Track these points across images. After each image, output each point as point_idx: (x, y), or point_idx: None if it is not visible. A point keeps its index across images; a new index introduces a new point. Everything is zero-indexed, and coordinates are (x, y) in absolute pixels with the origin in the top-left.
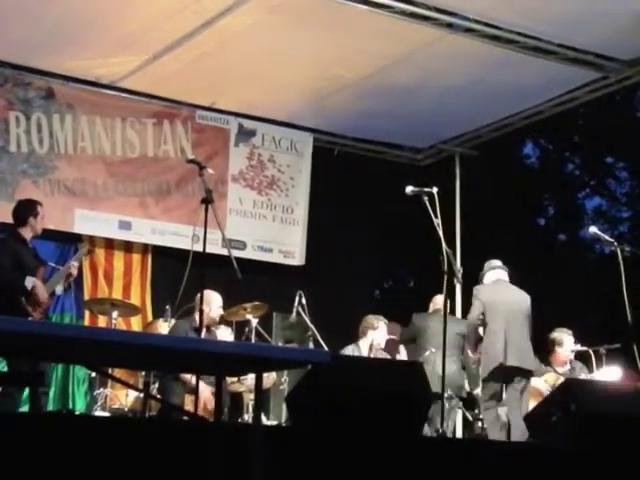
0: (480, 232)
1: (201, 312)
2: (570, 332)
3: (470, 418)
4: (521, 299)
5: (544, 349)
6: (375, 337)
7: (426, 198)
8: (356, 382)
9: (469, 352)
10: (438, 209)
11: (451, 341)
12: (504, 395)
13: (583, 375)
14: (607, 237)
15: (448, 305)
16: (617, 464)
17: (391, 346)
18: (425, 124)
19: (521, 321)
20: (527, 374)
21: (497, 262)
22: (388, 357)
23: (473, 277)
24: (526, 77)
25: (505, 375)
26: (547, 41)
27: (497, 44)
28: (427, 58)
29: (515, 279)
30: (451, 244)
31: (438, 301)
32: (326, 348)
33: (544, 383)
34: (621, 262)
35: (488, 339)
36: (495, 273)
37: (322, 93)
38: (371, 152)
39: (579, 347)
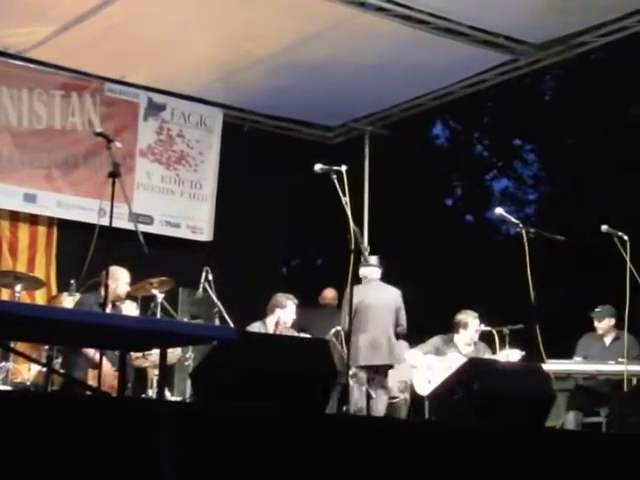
0: (389, 211)
1: (106, 287)
2: (476, 314)
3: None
4: (388, 297)
5: (450, 330)
6: (282, 315)
7: (335, 176)
8: (261, 359)
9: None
10: (347, 188)
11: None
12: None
13: (487, 355)
14: (512, 218)
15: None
16: (517, 441)
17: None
18: (336, 102)
19: (386, 319)
20: (385, 369)
21: (372, 259)
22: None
23: (380, 256)
24: (437, 58)
25: (368, 370)
26: (459, 23)
27: (409, 24)
28: (339, 36)
29: (421, 259)
30: (359, 223)
31: (327, 295)
32: (232, 325)
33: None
34: (526, 244)
35: (354, 337)
36: (366, 271)
37: (232, 68)
38: (281, 129)
39: (483, 327)
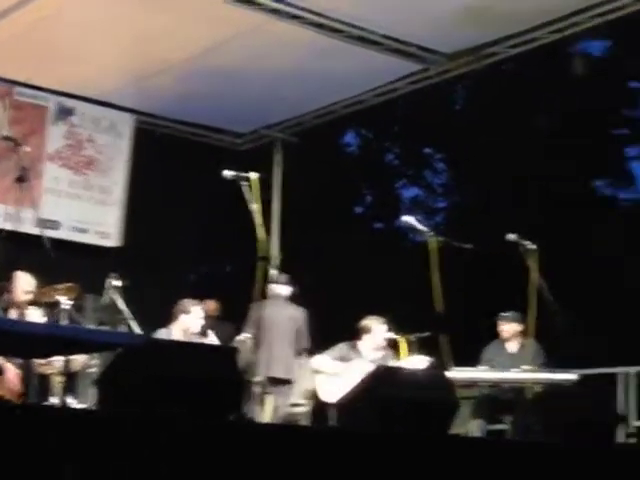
0: (299, 219)
1: (10, 293)
2: (382, 320)
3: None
4: (291, 315)
5: (355, 337)
6: (187, 321)
7: (244, 183)
8: (167, 365)
9: None
10: (257, 195)
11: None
12: None
13: (391, 362)
14: (420, 226)
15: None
16: (420, 447)
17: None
18: (247, 109)
19: (287, 336)
20: (287, 382)
21: (281, 277)
22: (202, 341)
23: (290, 263)
24: (350, 66)
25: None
26: (371, 31)
27: (322, 32)
28: (252, 42)
29: (331, 266)
30: (269, 231)
31: (209, 307)
32: (139, 331)
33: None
34: (433, 251)
35: (258, 351)
36: (274, 288)
37: (144, 73)
38: (192, 135)
39: (390, 335)
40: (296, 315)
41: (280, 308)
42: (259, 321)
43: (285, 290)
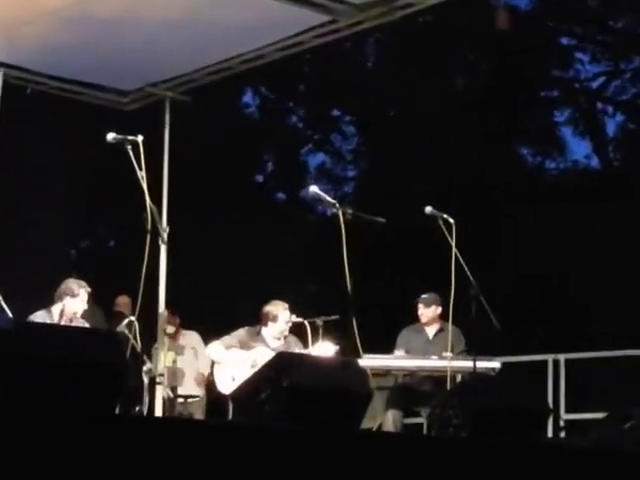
0: (191, 188)
1: None
2: (286, 305)
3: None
4: None
5: (257, 322)
6: (71, 304)
7: (129, 147)
8: (42, 351)
9: None
10: (143, 160)
11: None
12: None
13: (298, 349)
14: (328, 198)
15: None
16: (330, 444)
17: None
18: (132, 64)
19: None
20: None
21: None
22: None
23: (180, 237)
24: (248, 16)
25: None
26: None
27: None
28: None
29: (228, 242)
30: (158, 200)
31: (120, 302)
32: (11, 314)
33: None
34: (342, 226)
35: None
36: None
37: (14, 22)
38: (70, 92)
39: (294, 318)
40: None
41: None
42: None
43: None
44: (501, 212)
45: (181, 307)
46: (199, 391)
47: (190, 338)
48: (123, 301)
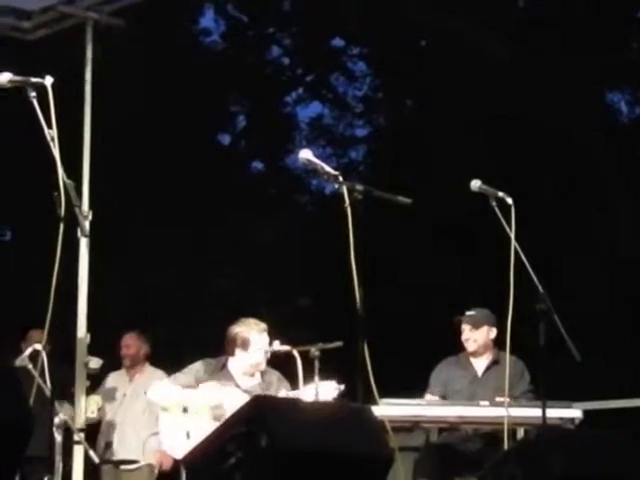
0: (125, 155)
1: None
2: (263, 326)
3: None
4: None
5: (222, 350)
6: None
7: (33, 94)
8: None
9: None
10: (54, 113)
11: None
12: None
13: (283, 392)
14: (328, 168)
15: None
16: None
17: None
18: None
19: None
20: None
21: None
22: None
23: (109, 227)
24: None
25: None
26: None
27: None
28: None
29: (174, 228)
30: (76, 172)
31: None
32: None
33: None
34: (349, 210)
35: None
36: None
37: None
38: None
39: (277, 346)
40: None
41: None
42: None
43: None
44: (588, 182)
45: (104, 328)
46: (141, 455)
47: (150, 379)
48: (37, 336)
